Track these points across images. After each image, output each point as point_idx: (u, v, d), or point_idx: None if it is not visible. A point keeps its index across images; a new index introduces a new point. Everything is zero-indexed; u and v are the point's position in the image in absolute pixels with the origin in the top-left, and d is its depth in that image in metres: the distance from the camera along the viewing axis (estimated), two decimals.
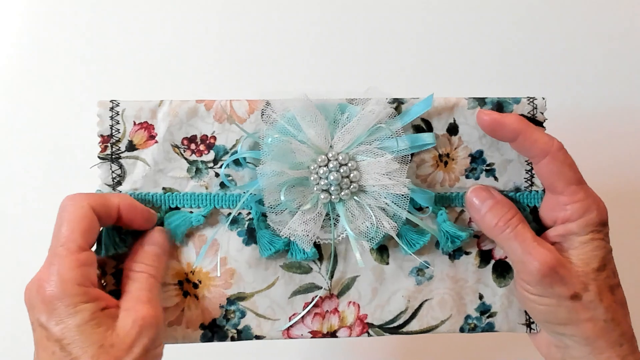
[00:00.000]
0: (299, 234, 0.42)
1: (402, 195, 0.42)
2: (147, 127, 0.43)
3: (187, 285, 0.44)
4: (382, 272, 0.45)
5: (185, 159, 0.43)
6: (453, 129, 0.44)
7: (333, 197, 0.42)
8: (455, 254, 0.45)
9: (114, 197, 0.41)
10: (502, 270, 0.45)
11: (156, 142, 0.43)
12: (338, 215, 0.43)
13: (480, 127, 0.43)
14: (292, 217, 0.42)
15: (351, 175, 0.42)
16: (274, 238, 0.43)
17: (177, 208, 0.43)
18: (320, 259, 0.44)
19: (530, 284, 0.41)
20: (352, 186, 0.42)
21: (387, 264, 0.45)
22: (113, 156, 0.43)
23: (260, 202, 0.42)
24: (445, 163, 0.44)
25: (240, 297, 0.44)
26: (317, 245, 0.44)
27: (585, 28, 0.66)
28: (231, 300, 0.44)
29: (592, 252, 0.41)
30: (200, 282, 0.44)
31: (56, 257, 0.37)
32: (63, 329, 0.36)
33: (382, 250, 0.45)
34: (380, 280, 0.45)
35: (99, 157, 0.43)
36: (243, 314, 0.44)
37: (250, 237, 0.44)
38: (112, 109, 0.43)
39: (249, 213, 0.44)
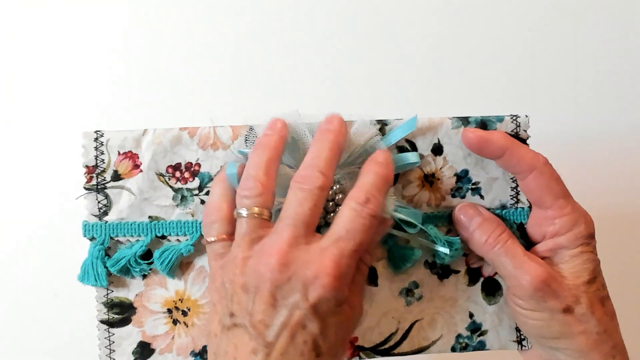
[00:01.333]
0: None
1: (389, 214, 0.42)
2: (132, 157, 0.43)
3: (177, 313, 0.44)
4: (371, 294, 0.45)
5: (171, 187, 0.43)
6: (438, 149, 0.44)
7: (328, 216, 0.42)
8: (443, 274, 0.45)
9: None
10: (492, 289, 0.45)
11: (141, 171, 0.43)
12: None
13: (466, 146, 0.43)
14: None
15: (337, 197, 0.42)
16: None
17: (163, 236, 0.43)
18: None
19: (522, 298, 0.41)
20: (337, 209, 0.42)
21: (376, 285, 0.45)
22: (99, 186, 0.43)
23: None
24: (431, 183, 0.44)
25: None
26: None
27: (569, 45, 0.67)
28: None
29: (582, 265, 0.41)
30: (189, 309, 0.44)
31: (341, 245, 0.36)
32: (325, 325, 0.36)
33: (370, 272, 0.44)
34: (370, 302, 0.45)
35: (84, 187, 0.43)
36: None
37: None
38: (96, 139, 0.43)
39: None
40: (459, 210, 0.43)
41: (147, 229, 0.43)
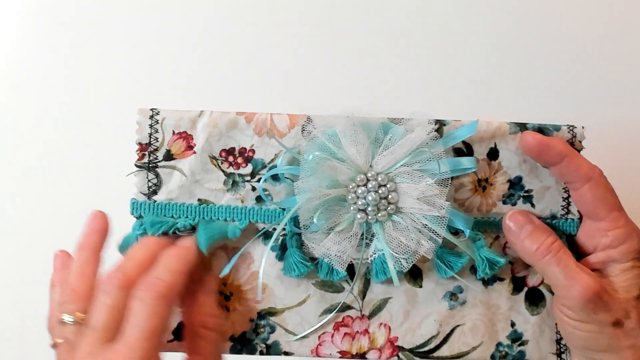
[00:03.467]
0: (333, 254, 0.41)
1: (440, 217, 0.41)
2: (186, 137, 0.43)
3: (219, 297, 0.43)
4: (415, 295, 0.44)
5: (223, 171, 0.43)
6: (493, 154, 0.44)
7: (370, 217, 0.42)
8: (488, 280, 0.45)
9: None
10: (535, 299, 0.45)
11: (194, 152, 0.43)
12: (372, 236, 0.43)
13: (524, 149, 0.43)
14: (326, 237, 0.42)
15: (389, 196, 0.42)
16: (301, 261, 0.42)
17: (210, 219, 0.43)
18: (352, 278, 0.44)
19: (572, 309, 0.40)
20: (389, 207, 0.42)
21: (421, 287, 0.44)
22: (150, 165, 0.43)
23: (295, 219, 0.42)
24: (484, 188, 0.44)
25: (271, 312, 0.43)
26: (349, 265, 0.44)
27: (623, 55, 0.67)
28: (261, 315, 0.43)
29: (633, 280, 0.40)
30: (232, 294, 0.43)
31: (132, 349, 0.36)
32: None
33: (415, 273, 0.44)
34: (413, 303, 0.44)
35: (136, 165, 0.43)
36: (273, 329, 0.43)
37: (284, 252, 0.43)
38: (151, 117, 0.43)
39: (284, 229, 0.43)
40: (510, 218, 0.43)
41: (195, 212, 0.43)
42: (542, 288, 0.45)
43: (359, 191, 0.42)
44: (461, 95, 0.66)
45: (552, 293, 0.44)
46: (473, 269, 0.44)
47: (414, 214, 0.42)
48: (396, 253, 0.42)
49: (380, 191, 0.42)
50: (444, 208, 0.41)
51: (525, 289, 0.45)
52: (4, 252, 0.65)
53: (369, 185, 0.42)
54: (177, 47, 0.65)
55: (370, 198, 0.41)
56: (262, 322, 0.43)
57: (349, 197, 0.42)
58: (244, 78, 0.64)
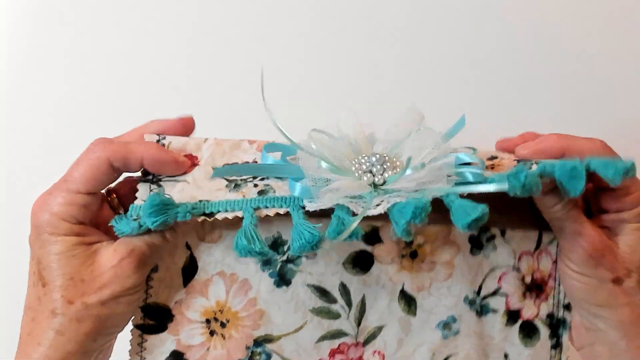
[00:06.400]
0: (341, 200, 0.39)
1: (449, 163, 0.39)
2: (191, 158, 0.43)
3: (215, 324, 0.43)
4: (409, 324, 0.45)
5: (225, 179, 0.42)
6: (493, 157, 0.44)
7: (376, 178, 0.40)
8: (482, 311, 0.45)
9: (137, 148, 0.40)
10: (529, 331, 0.45)
11: (198, 164, 0.42)
12: (381, 199, 0.39)
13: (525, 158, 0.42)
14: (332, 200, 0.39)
15: (394, 158, 0.41)
16: (309, 230, 0.38)
17: (211, 214, 0.40)
18: (349, 305, 0.44)
19: (574, 262, 0.41)
20: (397, 163, 0.40)
21: (415, 315, 0.45)
22: (154, 179, 0.42)
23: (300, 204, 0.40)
24: (492, 167, 0.43)
25: (267, 339, 0.44)
26: (346, 291, 0.44)
27: None
28: (258, 342, 0.44)
29: (639, 241, 0.41)
30: (228, 321, 0.44)
31: (56, 189, 0.40)
32: (43, 253, 0.39)
33: (410, 301, 0.45)
34: (407, 332, 0.45)
35: (140, 180, 0.42)
36: (269, 357, 0.44)
37: (282, 279, 0.44)
38: (158, 141, 0.43)
39: (282, 254, 0.43)
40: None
41: (193, 206, 0.40)
42: (536, 321, 0.45)
43: (363, 160, 0.40)
44: (459, 97, 0.66)
45: (548, 328, 0.45)
46: (467, 300, 0.45)
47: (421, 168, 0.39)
48: (407, 198, 0.38)
49: (385, 156, 0.40)
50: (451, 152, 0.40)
51: (520, 321, 0.45)
52: (3, 252, 0.66)
53: (373, 159, 0.40)
54: (183, 55, 0.66)
55: (374, 160, 0.40)
56: (259, 350, 0.44)
57: (353, 168, 0.40)
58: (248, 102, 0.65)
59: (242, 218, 0.40)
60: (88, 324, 0.38)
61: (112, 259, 0.39)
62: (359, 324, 0.44)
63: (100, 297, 0.38)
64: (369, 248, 0.44)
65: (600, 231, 0.41)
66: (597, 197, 0.43)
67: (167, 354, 0.43)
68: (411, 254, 0.45)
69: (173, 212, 0.39)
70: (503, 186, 0.36)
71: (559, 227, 0.42)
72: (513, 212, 0.45)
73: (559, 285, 0.45)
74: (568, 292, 0.44)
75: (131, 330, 0.43)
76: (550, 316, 0.45)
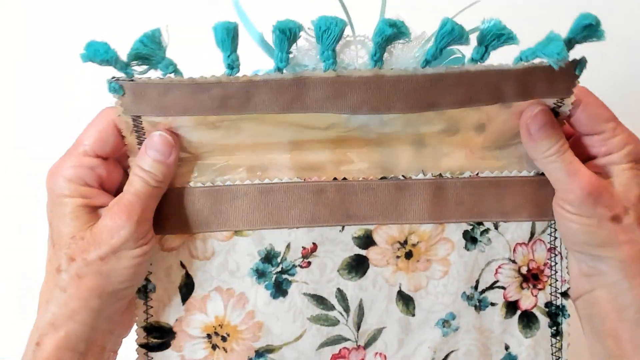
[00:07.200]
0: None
1: None
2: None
3: (216, 338, 0.44)
4: (408, 324, 0.45)
5: None
6: None
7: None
8: (481, 306, 0.45)
9: None
10: (528, 321, 0.45)
11: None
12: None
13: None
14: None
15: None
16: None
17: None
18: (347, 310, 0.45)
19: (572, 204, 0.41)
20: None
21: (413, 315, 0.45)
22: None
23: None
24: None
25: (269, 350, 0.44)
26: (343, 297, 0.44)
27: None
28: (259, 353, 0.44)
29: (632, 179, 0.41)
30: (228, 335, 0.44)
31: (67, 153, 0.41)
32: (52, 215, 0.41)
33: (408, 302, 0.45)
34: (406, 332, 0.45)
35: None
36: None
37: (278, 290, 0.44)
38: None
39: (276, 266, 0.44)
40: (533, 119, 0.41)
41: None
42: (535, 311, 0.45)
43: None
44: None
45: (547, 317, 0.45)
46: (465, 296, 0.45)
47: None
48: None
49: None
50: None
51: (519, 312, 0.45)
52: (4, 252, 0.67)
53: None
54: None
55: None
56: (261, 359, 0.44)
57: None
58: None
59: (234, 232, 0.43)
60: (89, 279, 0.39)
61: (106, 214, 0.40)
62: (358, 328, 0.45)
63: (99, 253, 0.39)
64: (363, 252, 0.44)
65: (594, 173, 0.41)
66: (584, 145, 0.43)
67: None
68: (406, 254, 0.45)
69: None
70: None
71: (552, 170, 0.42)
72: (505, 201, 0.45)
73: (556, 273, 0.45)
74: (567, 237, 0.44)
75: (136, 350, 0.44)
76: (548, 305, 0.45)
